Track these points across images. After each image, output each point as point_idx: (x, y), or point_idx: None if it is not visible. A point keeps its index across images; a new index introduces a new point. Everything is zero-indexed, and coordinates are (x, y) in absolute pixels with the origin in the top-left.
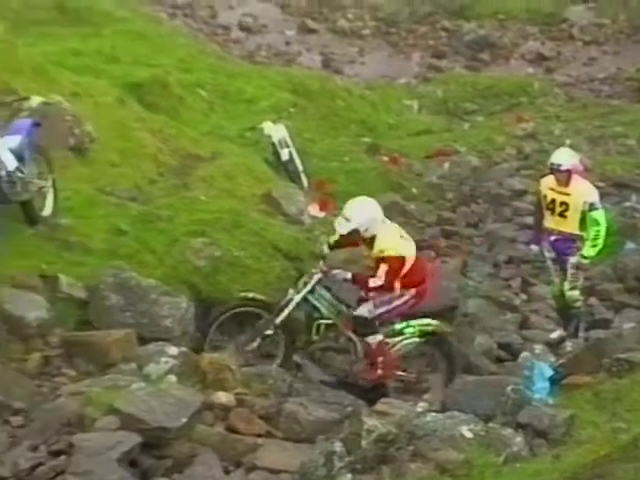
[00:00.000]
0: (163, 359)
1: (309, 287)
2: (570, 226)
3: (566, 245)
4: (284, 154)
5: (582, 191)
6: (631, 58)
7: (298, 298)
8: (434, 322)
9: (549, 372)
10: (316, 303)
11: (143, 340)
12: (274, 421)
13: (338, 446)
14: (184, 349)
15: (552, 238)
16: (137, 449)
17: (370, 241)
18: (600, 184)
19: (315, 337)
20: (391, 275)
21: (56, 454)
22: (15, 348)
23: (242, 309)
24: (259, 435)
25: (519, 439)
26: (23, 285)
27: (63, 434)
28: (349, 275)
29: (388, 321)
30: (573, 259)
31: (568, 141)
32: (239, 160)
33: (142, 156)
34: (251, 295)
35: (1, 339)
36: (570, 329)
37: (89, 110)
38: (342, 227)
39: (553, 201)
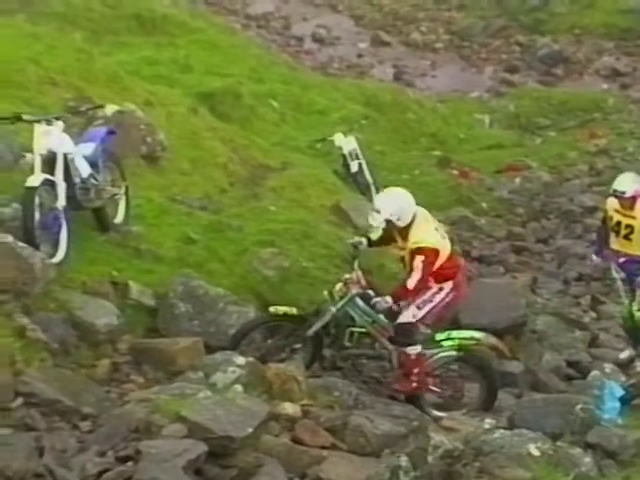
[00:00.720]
0: (230, 368)
1: (345, 301)
2: (636, 248)
3: (634, 267)
4: (354, 166)
5: None
6: None
7: (333, 311)
8: (477, 335)
9: (620, 392)
10: (350, 311)
11: (210, 349)
12: (340, 433)
13: (404, 461)
14: (251, 359)
15: (621, 260)
16: (203, 458)
17: (405, 233)
18: None
19: (348, 344)
20: (428, 267)
21: (123, 460)
22: (85, 354)
23: (271, 324)
24: (324, 447)
25: (588, 459)
26: (94, 291)
27: (130, 440)
28: (389, 299)
29: (434, 322)
30: None
31: None
32: (309, 171)
33: (213, 165)
34: (282, 311)
35: (71, 345)
36: (639, 349)
37: (162, 119)
38: (374, 220)
39: (619, 223)
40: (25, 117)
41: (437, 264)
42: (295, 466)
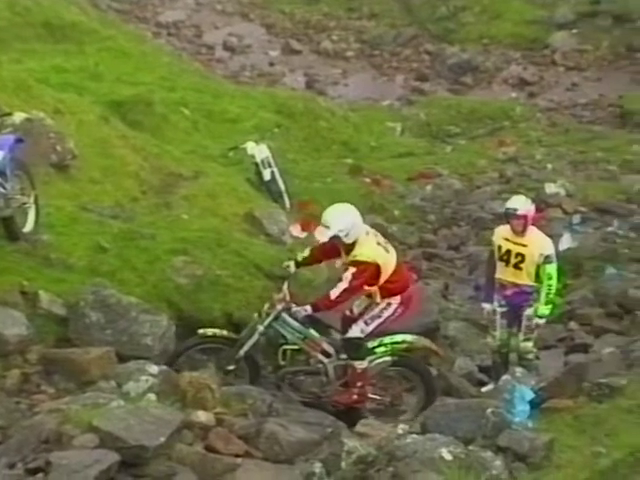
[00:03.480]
0: (143, 377)
1: (271, 318)
2: (525, 278)
3: (522, 298)
4: (267, 174)
5: (539, 243)
6: (613, 84)
7: (261, 329)
8: (409, 338)
9: (530, 395)
10: (281, 330)
11: (123, 358)
12: (254, 441)
13: (318, 467)
14: (164, 367)
15: (508, 292)
16: (115, 467)
17: (350, 248)
18: (582, 209)
19: (282, 362)
20: (358, 279)
21: (33, 472)
22: None
23: (204, 346)
24: (238, 455)
25: (499, 462)
26: (3, 301)
27: (41, 452)
28: (308, 308)
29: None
30: (529, 311)
31: (550, 165)
32: (222, 179)
33: (124, 174)
34: (210, 333)
35: None
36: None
37: (72, 127)
38: (322, 235)
39: (508, 252)
40: None
41: (382, 279)
42: (209, 474)
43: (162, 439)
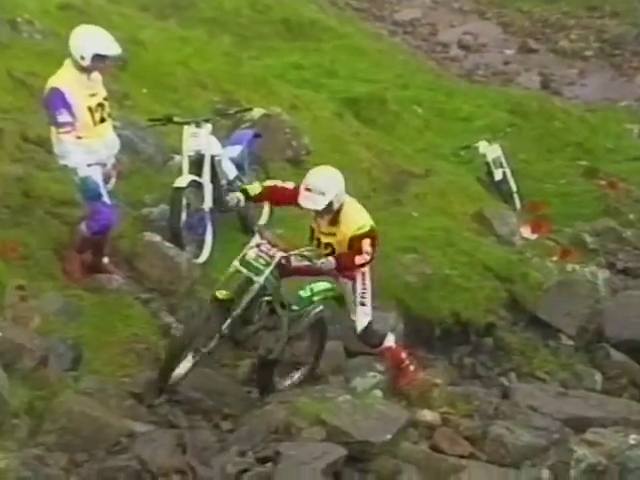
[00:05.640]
0: (370, 373)
1: (272, 268)
2: None
3: None
4: (498, 174)
5: None
6: None
7: (261, 281)
8: (331, 285)
9: None
10: (272, 281)
11: (350, 353)
12: (479, 443)
13: (545, 473)
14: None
15: None
16: (341, 461)
17: (335, 216)
18: None
19: (256, 316)
20: (375, 249)
21: (263, 461)
22: (227, 354)
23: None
24: (463, 456)
25: None
26: None
27: (270, 441)
28: (333, 262)
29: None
30: None
31: None
32: (452, 178)
33: (356, 170)
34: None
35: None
36: None
37: (307, 123)
38: (317, 203)
39: None
40: (175, 119)
41: None
42: (434, 474)
43: (388, 436)
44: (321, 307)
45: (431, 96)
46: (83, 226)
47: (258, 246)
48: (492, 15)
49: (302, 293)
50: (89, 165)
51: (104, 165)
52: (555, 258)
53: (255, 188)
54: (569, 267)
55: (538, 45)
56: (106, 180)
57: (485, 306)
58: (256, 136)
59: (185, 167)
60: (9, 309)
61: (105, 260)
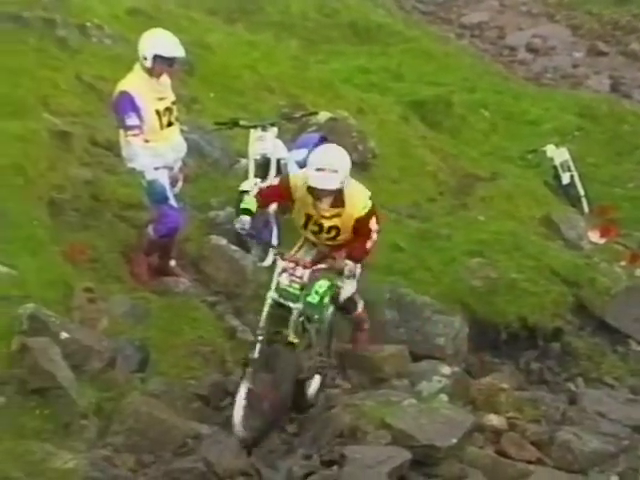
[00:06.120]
0: (435, 377)
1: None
2: None
3: None
4: (565, 178)
5: None
6: None
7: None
8: (330, 282)
9: None
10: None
11: (415, 357)
12: (546, 448)
13: None
14: (457, 369)
15: None
16: (407, 465)
17: (340, 196)
18: None
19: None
20: (379, 224)
21: (328, 464)
22: None
23: None
24: (530, 462)
25: None
26: None
27: (335, 445)
28: (353, 264)
29: None
30: None
31: None
32: (519, 182)
33: (422, 174)
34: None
35: None
36: None
37: (373, 127)
38: (333, 181)
39: None
40: (241, 123)
41: None
42: (500, 479)
43: (454, 440)
44: (332, 308)
45: (498, 99)
46: (150, 229)
47: (285, 270)
48: (561, 18)
49: (311, 299)
50: (156, 168)
51: (171, 168)
52: (624, 263)
53: (250, 203)
54: (638, 272)
55: (608, 48)
56: (173, 183)
57: (552, 310)
58: (322, 140)
59: (251, 170)
60: (77, 311)
61: (172, 263)
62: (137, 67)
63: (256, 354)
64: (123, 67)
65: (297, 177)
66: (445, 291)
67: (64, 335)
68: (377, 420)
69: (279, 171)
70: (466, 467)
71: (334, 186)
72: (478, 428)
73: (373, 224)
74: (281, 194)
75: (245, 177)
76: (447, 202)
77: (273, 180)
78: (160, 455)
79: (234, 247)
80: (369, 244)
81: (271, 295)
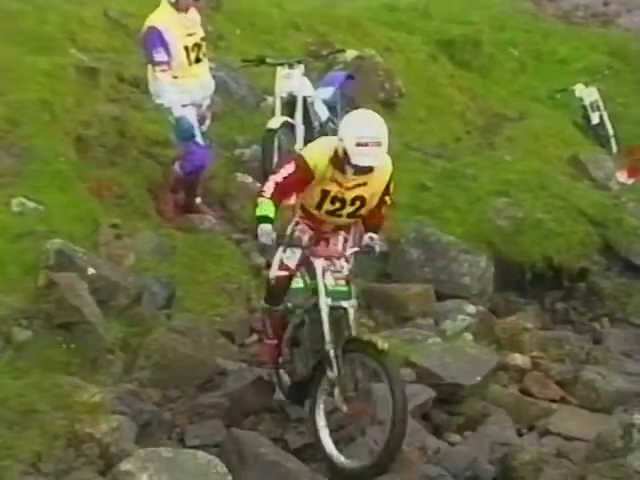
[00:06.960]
0: (460, 316)
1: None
2: None
3: None
4: (594, 118)
5: None
6: None
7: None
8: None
9: None
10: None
11: (440, 296)
12: (570, 387)
13: (638, 419)
14: (482, 308)
15: None
16: (430, 403)
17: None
18: None
19: None
20: None
21: None
22: None
23: None
24: (553, 400)
25: None
26: None
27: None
28: (379, 236)
29: None
30: None
31: None
32: (547, 122)
33: (450, 113)
34: None
35: None
36: None
37: (400, 65)
38: (379, 156)
39: None
40: (268, 60)
41: None
42: (523, 417)
43: (478, 378)
44: None
45: (527, 38)
46: (177, 166)
47: (326, 270)
48: None
49: (343, 289)
50: (184, 105)
51: (199, 106)
52: None
53: (267, 208)
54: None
55: None
56: (201, 122)
57: (578, 251)
58: (349, 78)
59: (277, 108)
60: (104, 247)
61: (198, 200)
62: (164, 2)
63: (335, 372)
64: (150, 3)
65: (312, 153)
66: (471, 230)
67: (91, 271)
68: (401, 358)
69: (306, 109)
70: (489, 405)
71: (380, 161)
72: (502, 367)
73: (392, 188)
74: (303, 180)
75: (271, 115)
76: (474, 142)
77: (285, 168)
78: (185, 390)
79: (260, 185)
80: (384, 209)
81: (325, 301)
